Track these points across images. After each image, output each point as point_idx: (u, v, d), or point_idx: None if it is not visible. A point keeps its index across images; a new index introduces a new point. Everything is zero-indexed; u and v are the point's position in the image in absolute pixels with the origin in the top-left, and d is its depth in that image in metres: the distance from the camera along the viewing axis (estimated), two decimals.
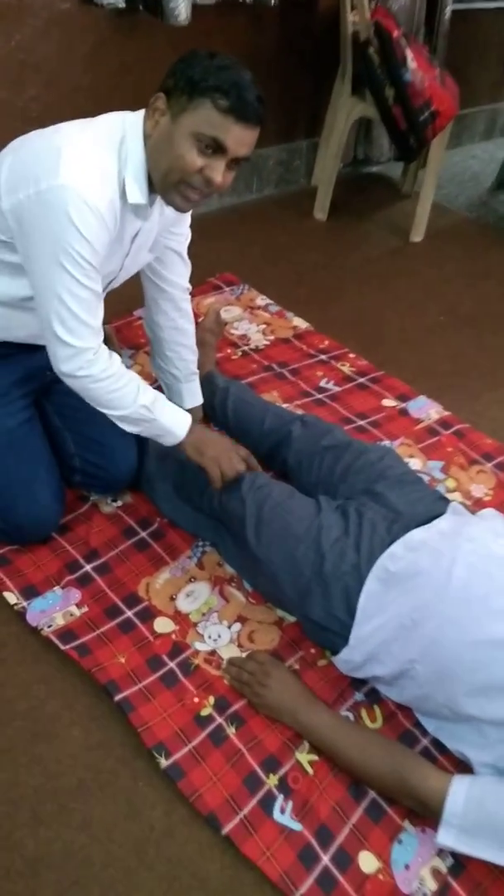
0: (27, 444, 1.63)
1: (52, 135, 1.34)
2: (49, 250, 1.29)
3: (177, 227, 1.67)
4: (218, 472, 1.57)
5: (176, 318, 1.81)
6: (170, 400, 1.62)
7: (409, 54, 2.70)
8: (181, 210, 1.41)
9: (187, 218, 1.68)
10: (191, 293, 1.84)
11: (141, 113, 1.36)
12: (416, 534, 1.43)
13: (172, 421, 1.56)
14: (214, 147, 1.28)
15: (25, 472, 1.61)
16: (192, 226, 1.72)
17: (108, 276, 1.50)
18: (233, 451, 1.61)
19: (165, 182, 1.35)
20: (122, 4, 2.38)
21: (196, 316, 1.92)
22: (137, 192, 1.36)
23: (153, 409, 1.52)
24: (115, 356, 1.48)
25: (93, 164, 1.30)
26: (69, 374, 1.44)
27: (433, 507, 1.53)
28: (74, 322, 1.37)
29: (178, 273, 1.77)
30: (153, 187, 1.38)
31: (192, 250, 1.76)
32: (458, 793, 1.21)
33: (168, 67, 1.30)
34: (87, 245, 1.29)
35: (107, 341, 2.07)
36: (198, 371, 1.91)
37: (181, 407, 1.78)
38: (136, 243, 1.50)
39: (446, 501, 1.57)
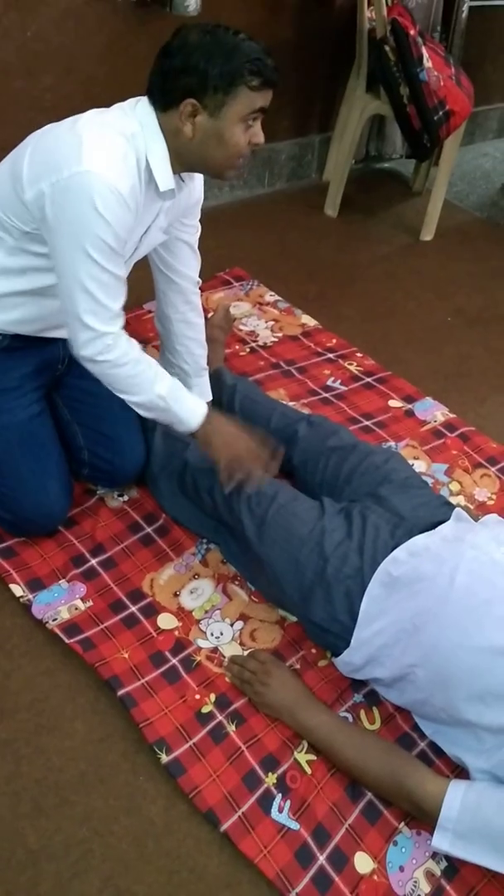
0: (38, 437, 1.64)
1: (72, 125, 1.36)
2: (73, 236, 1.31)
3: (188, 219, 1.68)
4: (225, 467, 1.56)
5: (185, 311, 1.82)
6: None
7: (425, 53, 2.69)
8: (230, 180, 1.53)
9: (198, 210, 1.69)
10: (200, 287, 1.85)
11: (145, 102, 1.39)
12: (420, 539, 1.45)
13: (187, 411, 1.56)
14: (256, 115, 1.37)
15: (36, 465, 1.62)
16: (202, 219, 1.72)
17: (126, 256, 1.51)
18: (244, 448, 1.59)
19: (222, 168, 1.43)
20: None
21: (205, 311, 1.93)
22: (166, 179, 1.40)
23: (169, 398, 1.52)
24: (135, 342, 1.50)
25: (114, 150, 1.32)
26: (89, 359, 1.45)
27: (437, 513, 1.54)
28: (96, 306, 1.38)
29: (189, 265, 1.78)
30: (173, 171, 1.42)
31: (203, 244, 1.76)
32: (454, 798, 1.22)
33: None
34: (111, 229, 1.31)
35: None
36: (207, 367, 1.92)
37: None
38: (155, 223, 1.52)
39: (450, 507, 1.58)
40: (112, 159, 1.31)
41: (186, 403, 1.56)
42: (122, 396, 1.53)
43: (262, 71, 1.32)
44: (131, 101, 1.41)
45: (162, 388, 1.52)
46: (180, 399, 1.55)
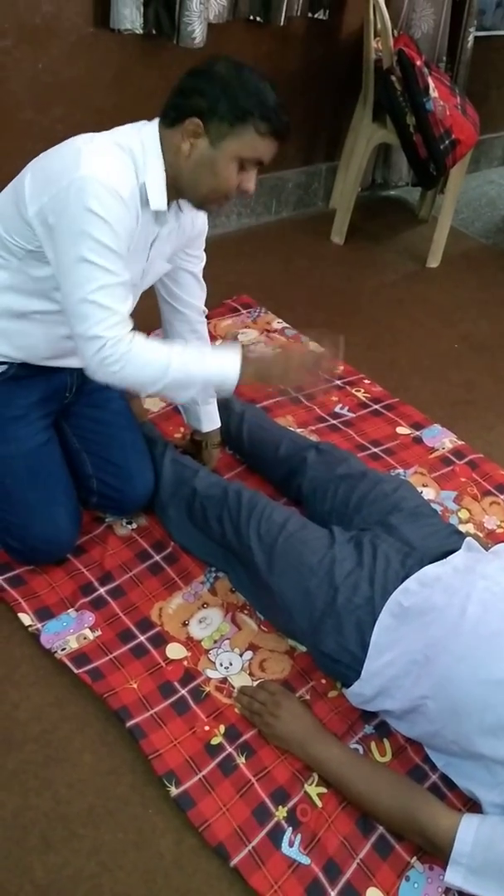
0: (46, 465, 1.65)
1: (71, 141, 1.37)
2: (72, 241, 1.31)
3: (192, 249, 1.69)
4: (298, 383, 1.59)
5: (192, 340, 1.82)
6: (188, 423, 1.61)
7: (431, 83, 2.72)
8: (212, 213, 1.51)
9: (202, 240, 1.70)
10: (207, 315, 1.85)
11: (153, 124, 1.39)
12: (430, 569, 1.44)
13: (218, 370, 1.47)
14: (254, 164, 1.38)
15: (43, 494, 1.62)
16: (209, 247, 1.73)
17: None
18: (298, 358, 1.57)
19: (205, 199, 1.43)
20: (139, 30, 2.41)
21: (213, 338, 1.93)
22: (159, 199, 1.40)
23: (190, 369, 1.44)
24: (138, 335, 1.41)
25: (113, 157, 1.33)
26: (99, 368, 1.38)
27: (447, 542, 1.54)
28: (101, 310, 1.34)
29: (194, 295, 1.78)
30: (170, 195, 1.42)
31: (210, 271, 1.77)
32: (467, 833, 1.21)
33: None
34: (110, 229, 1.30)
35: None
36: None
37: (199, 430, 1.79)
38: (154, 250, 1.52)
39: (461, 536, 1.57)
40: (111, 164, 1.31)
41: (213, 363, 1.47)
42: (147, 391, 1.47)
43: (273, 121, 1.33)
44: (140, 123, 1.42)
45: (178, 361, 1.42)
46: (203, 361, 1.48)
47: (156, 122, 1.40)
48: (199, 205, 1.46)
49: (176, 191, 1.43)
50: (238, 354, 1.47)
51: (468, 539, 1.54)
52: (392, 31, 2.74)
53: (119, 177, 1.32)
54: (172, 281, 1.72)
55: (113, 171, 1.31)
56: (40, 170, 1.37)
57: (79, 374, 1.71)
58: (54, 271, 1.38)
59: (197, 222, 1.63)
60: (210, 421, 1.91)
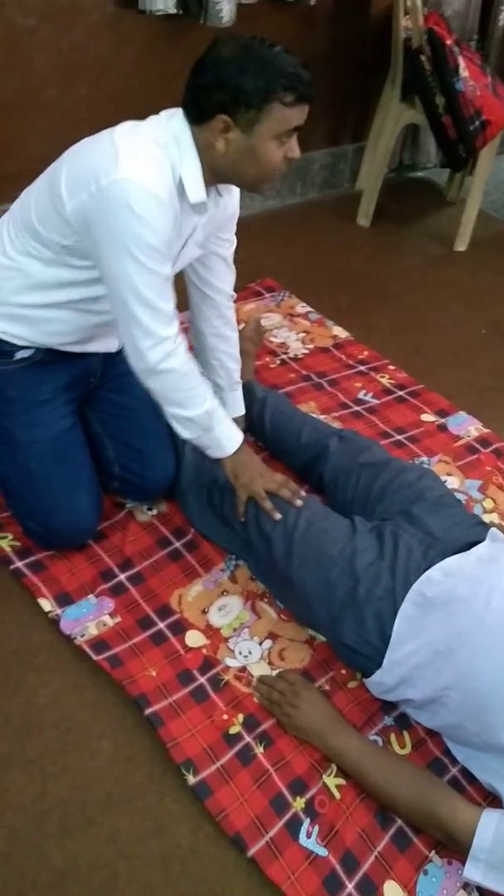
0: (69, 450, 1.64)
1: (107, 135, 1.35)
2: (118, 244, 1.31)
3: (223, 233, 1.67)
4: (244, 499, 1.57)
5: (219, 325, 1.80)
6: None
7: (462, 62, 2.66)
8: (266, 193, 1.48)
9: (233, 224, 1.68)
10: None
11: (180, 116, 1.37)
12: (454, 560, 1.42)
13: (227, 436, 1.56)
14: (292, 132, 1.36)
15: (66, 479, 1.62)
16: (235, 228, 1.71)
17: None
18: (267, 479, 1.58)
19: (256, 183, 1.42)
20: (172, 10, 2.37)
21: (238, 322, 1.91)
22: (197, 192, 1.38)
23: (213, 417, 1.53)
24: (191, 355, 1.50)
25: (150, 157, 1.32)
26: (151, 369, 1.44)
27: (471, 532, 1.51)
28: (151, 311, 1.37)
29: (223, 279, 1.76)
30: (207, 183, 1.41)
31: (234, 254, 1.75)
32: (488, 828, 1.20)
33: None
34: (153, 232, 1.30)
35: None
36: (241, 380, 1.90)
37: (234, 416, 1.79)
38: (192, 238, 1.51)
39: (485, 526, 1.55)
40: (148, 165, 1.30)
41: (227, 426, 1.57)
42: (172, 411, 1.51)
43: (297, 86, 1.30)
44: (166, 113, 1.40)
45: (212, 404, 1.52)
46: (223, 420, 1.56)
47: (181, 113, 1.38)
48: (252, 189, 1.45)
49: (216, 178, 1.42)
50: (242, 437, 1.59)
51: (493, 530, 1.51)
52: (422, 9, 2.68)
53: (157, 178, 1.31)
54: (202, 265, 1.71)
55: (151, 171, 1.30)
56: (76, 166, 1.35)
57: (104, 359, 1.70)
58: (100, 271, 1.39)
59: (230, 205, 1.61)
60: (235, 407, 1.89)
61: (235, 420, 1.86)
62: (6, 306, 1.51)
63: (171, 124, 1.37)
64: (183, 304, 1.82)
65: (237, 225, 1.70)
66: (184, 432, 1.54)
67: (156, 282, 1.35)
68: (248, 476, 1.57)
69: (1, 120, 2.36)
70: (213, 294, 1.76)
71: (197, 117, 1.35)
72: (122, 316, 1.40)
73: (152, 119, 1.40)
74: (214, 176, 1.41)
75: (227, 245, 1.71)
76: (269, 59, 1.29)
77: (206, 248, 1.65)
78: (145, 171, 1.29)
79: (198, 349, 1.86)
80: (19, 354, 1.57)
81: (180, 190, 1.37)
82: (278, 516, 1.53)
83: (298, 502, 1.55)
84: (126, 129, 1.36)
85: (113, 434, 1.74)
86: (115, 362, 1.71)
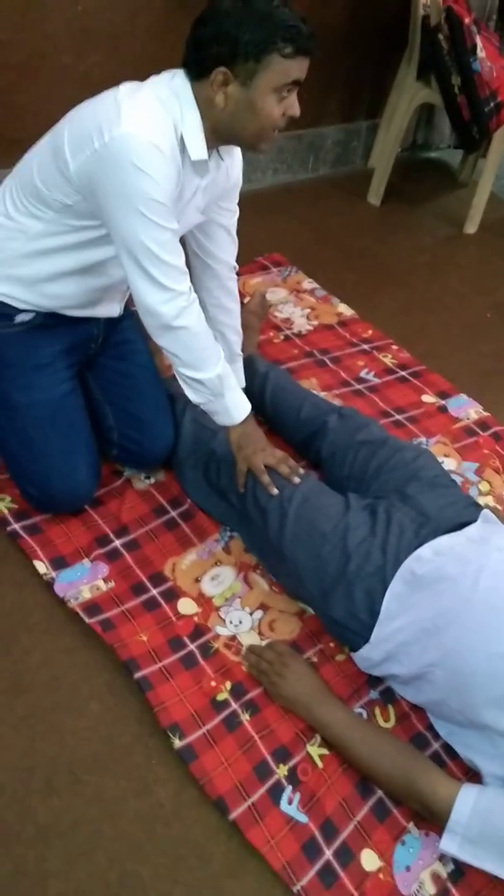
0: (68, 415, 1.65)
1: (110, 94, 1.35)
2: (124, 200, 1.30)
3: (225, 202, 1.66)
4: (244, 470, 1.58)
5: (220, 296, 1.80)
6: None
7: (479, 42, 2.64)
8: (264, 151, 1.46)
9: (236, 193, 1.67)
10: (238, 272, 1.82)
11: (181, 75, 1.36)
12: (445, 539, 1.43)
13: (236, 404, 1.57)
14: (291, 87, 1.34)
15: (65, 444, 1.63)
16: (243, 202, 1.69)
17: None
18: (268, 454, 1.59)
19: (255, 139, 1.40)
20: None
21: (242, 296, 1.91)
22: (198, 149, 1.37)
23: (224, 383, 1.53)
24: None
25: (152, 111, 1.31)
26: (166, 325, 1.43)
27: (464, 513, 1.52)
28: (163, 266, 1.37)
29: (225, 249, 1.76)
30: (210, 144, 1.40)
31: (242, 227, 1.74)
32: (465, 802, 1.22)
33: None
34: (158, 186, 1.30)
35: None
36: (241, 353, 1.91)
37: None
38: (192, 203, 1.50)
39: (478, 508, 1.56)
40: (151, 120, 1.30)
41: (237, 394, 1.57)
42: (184, 372, 1.51)
43: (296, 38, 1.28)
44: (167, 73, 1.39)
45: (224, 368, 1.52)
46: (234, 388, 1.56)
47: (182, 72, 1.37)
48: (250, 147, 1.44)
49: (217, 138, 1.41)
50: (250, 407, 1.60)
51: (485, 511, 1.52)
52: None
53: (159, 131, 1.30)
54: (204, 234, 1.70)
55: (152, 126, 1.29)
56: (77, 124, 1.35)
57: (106, 324, 1.70)
58: (108, 228, 1.38)
59: (232, 174, 1.61)
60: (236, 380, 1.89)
61: None
62: (7, 268, 1.51)
63: (173, 83, 1.36)
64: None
65: (246, 198, 1.69)
66: (194, 396, 1.54)
67: (164, 237, 1.35)
68: (252, 448, 1.58)
69: (14, 83, 2.35)
70: (215, 264, 1.76)
71: (197, 73, 1.34)
72: (133, 273, 1.39)
73: (153, 78, 1.40)
74: (215, 134, 1.40)
75: (230, 215, 1.70)
76: (268, 11, 1.28)
77: (209, 216, 1.64)
78: (147, 125, 1.28)
79: None
80: (20, 318, 1.57)
81: (182, 146, 1.36)
82: (275, 491, 1.54)
83: (296, 479, 1.56)
84: (128, 87, 1.36)
85: (113, 401, 1.75)
86: (116, 329, 1.72)
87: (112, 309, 1.69)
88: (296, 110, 1.38)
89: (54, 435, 1.62)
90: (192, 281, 1.79)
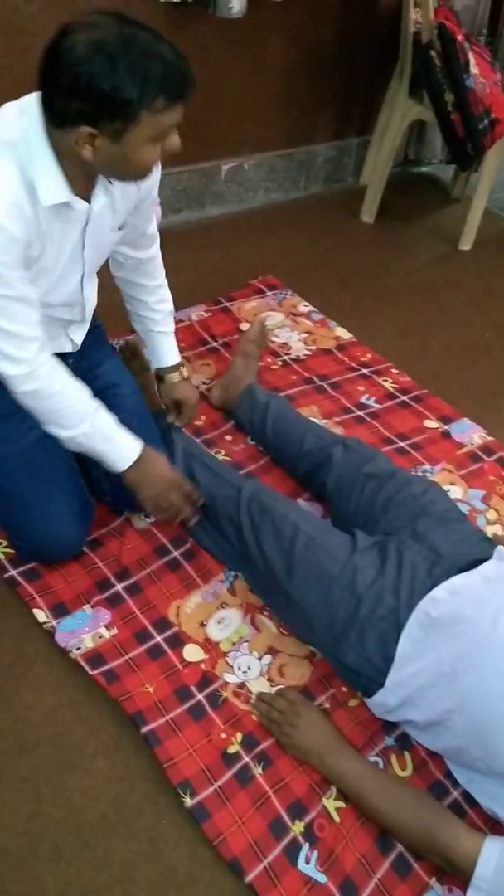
0: (42, 463, 1.56)
1: None
2: None
3: (143, 208, 1.55)
4: (155, 510, 1.58)
5: (135, 277, 1.73)
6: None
7: (472, 59, 2.61)
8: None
9: (154, 192, 1.55)
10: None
11: (33, 108, 1.22)
12: (459, 579, 1.39)
13: (116, 453, 1.52)
14: (168, 131, 1.22)
15: (42, 493, 1.56)
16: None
17: (70, 272, 1.44)
18: (172, 489, 1.57)
19: (136, 179, 1.32)
20: None
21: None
22: (52, 193, 1.25)
23: (94, 438, 1.48)
24: (61, 370, 1.42)
25: None
26: (13, 391, 1.40)
27: (476, 549, 1.48)
28: (2, 334, 1.30)
29: (145, 252, 1.68)
30: (80, 181, 1.30)
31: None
32: (490, 857, 1.18)
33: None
34: None
35: (133, 355, 2.01)
36: (165, 331, 1.82)
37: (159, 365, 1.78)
38: (89, 232, 1.39)
39: (490, 543, 1.52)
40: None
41: (114, 443, 1.51)
42: (50, 429, 1.47)
43: (167, 87, 1.14)
44: (18, 104, 1.26)
45: (91, 425, 1.46)
46: (109, 440, 1.50)
47: (36, 108, 1.21)
48: (134, 182, 1.35)
49: (88, 179, 1.32)
50: (137, 452, 1.52)
51: (499, 548, 1.48)
52: (432, 2, 2.63)
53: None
54: (128, 245, 1.63)
55: None
56: None
57: (74, 368, 1.55)
58: None
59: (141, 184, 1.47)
60: (164, 358, 1.82)
61: (171, 368, 1.82)
62: None
63: (22, 120, 1.22)
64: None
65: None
66: (69, 446, 1.50)
67: (1, 304, 1.28)
68: (147, 492, 1.55)
69: None
70: (136, 275, 1.71)
71: (56, 121, 1.19)
72: None
73: (9, 107, 1.26)
74: (86, 173, 1.29)
75: (144, 219, 1.59)
76: (132, 60, 1.11)
77: (129, 222, 1.53)
78: None
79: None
80: None
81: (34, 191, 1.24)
82: (193, 522, 1.63)
83: (192, 522, 1.63)
84: None
85: None
86: (95, 374, 1.64)
87: (62, 344, 1.60)
88: (176, 146, 1.25)
89: (29, 485, 1.55)
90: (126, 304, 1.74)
